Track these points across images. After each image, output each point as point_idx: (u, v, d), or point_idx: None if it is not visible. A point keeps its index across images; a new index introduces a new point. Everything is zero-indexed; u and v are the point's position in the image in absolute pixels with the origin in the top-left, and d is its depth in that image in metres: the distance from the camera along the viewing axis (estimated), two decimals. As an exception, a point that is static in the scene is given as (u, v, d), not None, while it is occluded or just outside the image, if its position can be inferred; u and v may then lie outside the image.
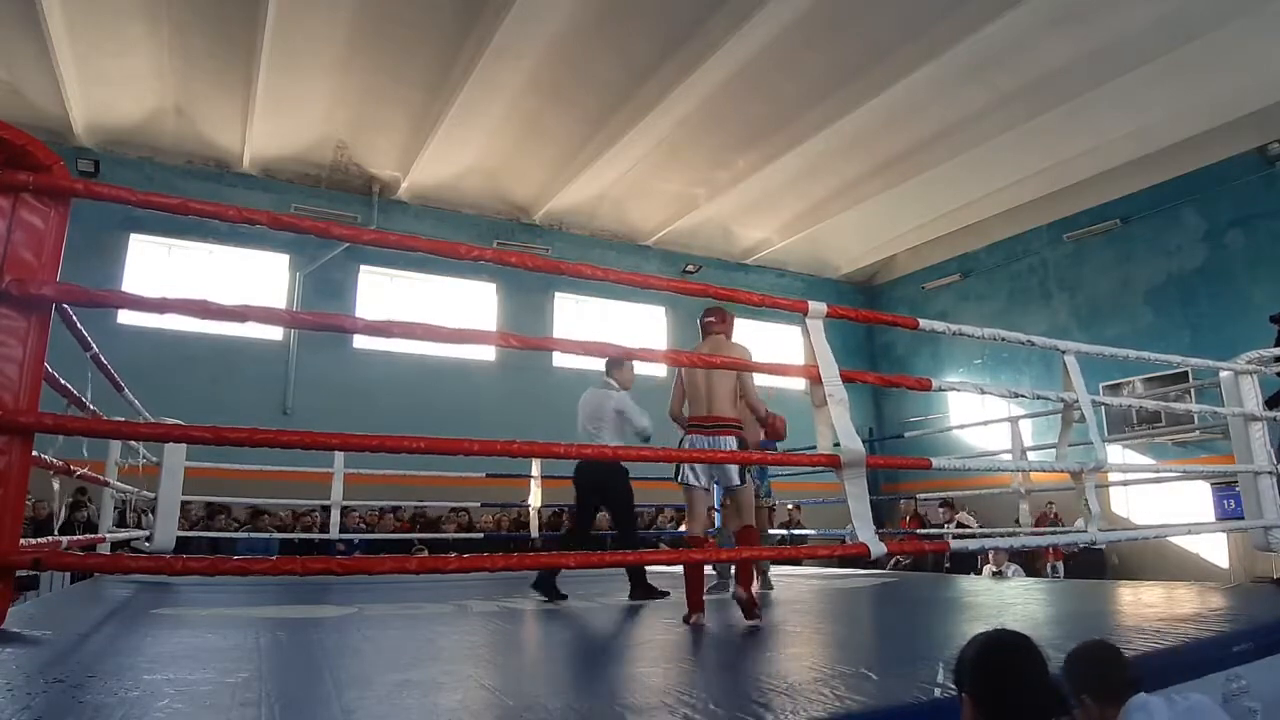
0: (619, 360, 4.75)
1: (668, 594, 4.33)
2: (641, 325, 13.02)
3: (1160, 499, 9.92)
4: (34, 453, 2.02)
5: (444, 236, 9.43)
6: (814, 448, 2.85)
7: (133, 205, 1.96)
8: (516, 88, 9.03)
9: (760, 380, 3.59)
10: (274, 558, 3.70)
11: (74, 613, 3.64)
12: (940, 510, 8.67)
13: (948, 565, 8.07)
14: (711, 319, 3.85)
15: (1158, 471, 9.38)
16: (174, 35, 8.16)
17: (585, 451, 3.66)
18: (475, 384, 11.10)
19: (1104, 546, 9.22)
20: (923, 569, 8.49)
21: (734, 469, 3.45)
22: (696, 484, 3.51)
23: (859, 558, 2.77)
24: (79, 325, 3.06)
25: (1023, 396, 3.78)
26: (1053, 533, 8.06)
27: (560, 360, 11.68)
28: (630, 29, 8.14)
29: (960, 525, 8.52)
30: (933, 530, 9.10)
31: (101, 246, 9.37)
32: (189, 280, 10.13)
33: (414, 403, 10.31)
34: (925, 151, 10.44)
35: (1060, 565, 8.55)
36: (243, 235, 10.22)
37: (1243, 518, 4.34)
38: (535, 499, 7.64)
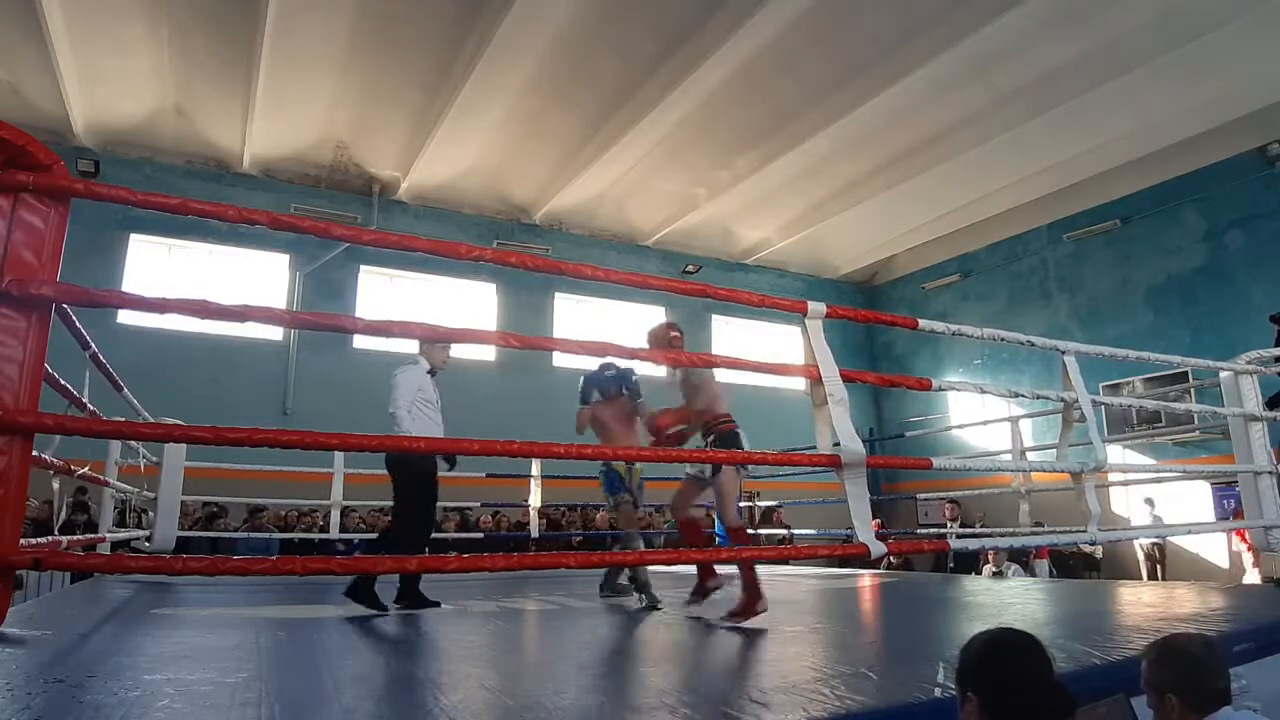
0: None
1: (439, 604, 3.98)
2: (641, 325, 13.00)
3: (1161, 499, 9.92)
4: (34, 453, 2.02)
5: (444, 236, 9.42)
6: (814, 448, 2.85)
7: (133, 205, 1.96)
8: (516, 87, 9.03)
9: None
10: (274, 558, 3.70)
11: (74, 613, 3.64)
12: (947, 508, 8.66)
13: (951, 565, 8.09)
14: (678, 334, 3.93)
15: (1158, 471, 9.38)
16: (174, 35, 8.15)
17: (604, 452, 3.59)
18: (475, 384, 11.11)
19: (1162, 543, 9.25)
20: (910, 569, 8.49)
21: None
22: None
23: (849, 558, 2.77)
24: (79, 325, 3.06)
25: (1023, 396, 3.78)
26: (1053, 532, 8.05)
27: (560, 360, 11.68)
28: (630, 29, 8.14)
29: (956, 525, 8.51)
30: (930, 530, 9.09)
31: (101, 246, 9.37)
32: (189, 280, 10.13)
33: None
34: (925, 151, 10.44)
35: (1047, 564, 8.51)
36: (243, 235, 10.22)
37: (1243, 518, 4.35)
38: (535, 499, 7.65)
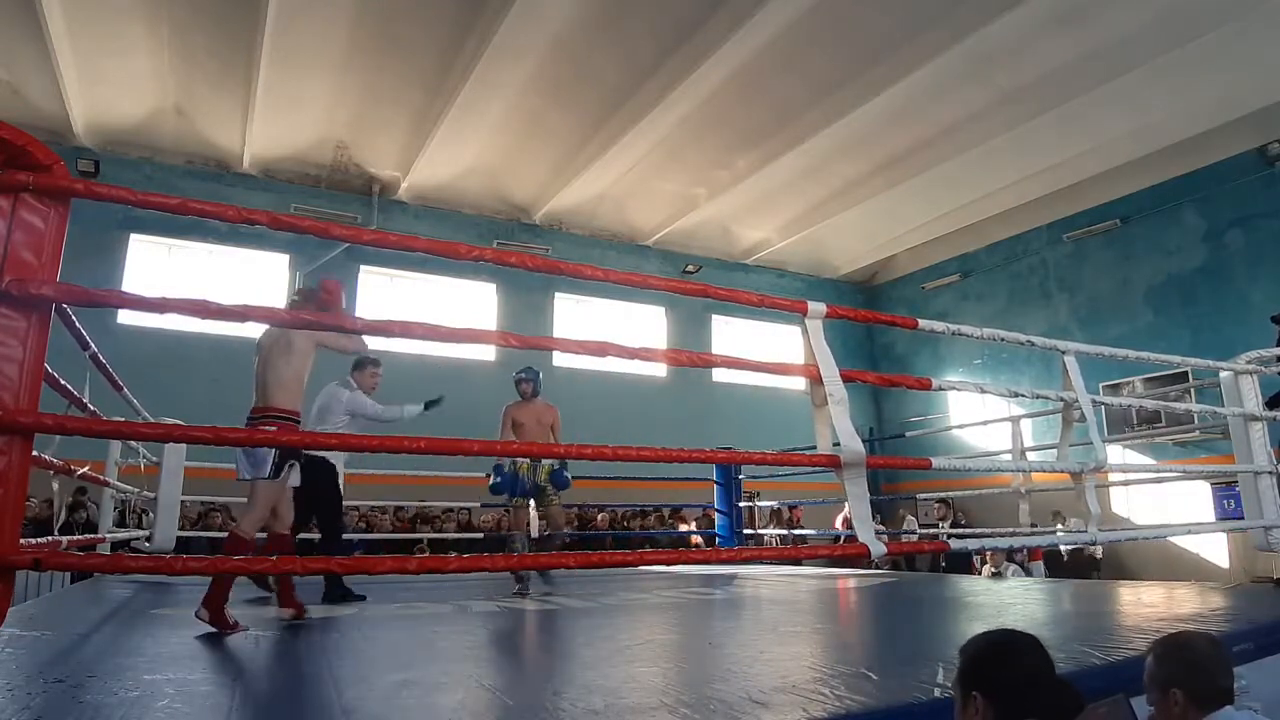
0: (369, 360, 4.81)
1: (365, 597, 4.43)
2: (641, 325, 13.02)
3: (1161, 499, 9.93)
4: (34, 453, 2.02)
5: (444, 236, 9.39)
6: (814, 448, 2.85)
7: (133, 205, 1.96)
8: (517, 87, 9.03)
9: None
10: (274, 558, 3.69)
11: (74, 613, 3.64)
12: (936, 507, 8.69)
13: (944, 565, 8.11)
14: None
15: (1158, 471, 9.38)
16: (174, 35, 8.15)
17: (604, 452, 3.61)
18: (475, 384, 11.09)
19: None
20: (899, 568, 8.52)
21: (266, 462, 3.20)
22: (244, 478, 3.29)
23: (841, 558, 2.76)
24: (79, 325, 3.06)
25: (1023, 396, 3.77)
26: (1052, 532, 8.06)
27: (560, 360, 11.66)
28: (631, 28, 8.14)
29: (947, 524, 8.52)
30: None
31: (101, 246, 9.37)
32: (189, 280, 10.13)
33: (413, 403, 10.30)
34: (925, 151, 10.44)
35: (1040, 565, 8.52)
36: (243, 235, 10.22)
37: (1243, 518, 4.34)
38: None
